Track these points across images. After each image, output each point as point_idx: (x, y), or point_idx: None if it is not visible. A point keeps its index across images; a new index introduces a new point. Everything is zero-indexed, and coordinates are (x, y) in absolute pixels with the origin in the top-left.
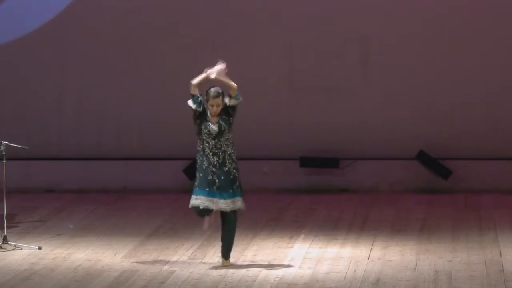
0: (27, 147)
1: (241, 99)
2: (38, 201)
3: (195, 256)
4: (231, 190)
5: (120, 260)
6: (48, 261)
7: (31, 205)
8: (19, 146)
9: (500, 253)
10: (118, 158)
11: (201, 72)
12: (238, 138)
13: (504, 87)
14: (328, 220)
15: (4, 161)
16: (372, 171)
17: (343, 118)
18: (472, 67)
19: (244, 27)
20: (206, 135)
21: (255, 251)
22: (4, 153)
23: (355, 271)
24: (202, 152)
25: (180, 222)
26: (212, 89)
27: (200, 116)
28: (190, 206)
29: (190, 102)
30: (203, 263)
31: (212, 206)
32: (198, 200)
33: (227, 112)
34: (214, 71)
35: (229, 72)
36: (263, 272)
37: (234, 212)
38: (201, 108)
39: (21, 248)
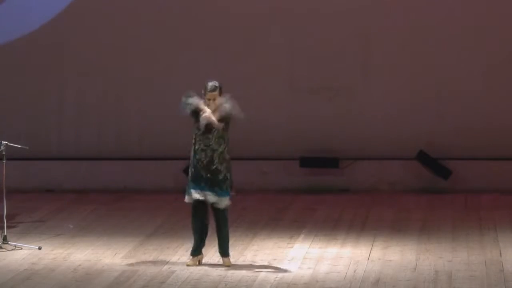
0: (27, 147)
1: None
2: (38, 201)
3: None
4: (217, 188)
5: (120, 260)
6: (48, 261)
7: (31, 205)
8: (19, 146)
9: (500, 253)
10: (118, 158)
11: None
12: (238, 138)
13: (504, 87)
14: (328, 220)
15: (4, 161)
16: (372, 171)
17: (343, 118)
18: (472, 67)
19: (244, 27)
20: (196, 129)
21: (255, 251)
22: (4, 153)
23: (355, 271)
24: (193, 147)
25: (180, 222)
26: (210, 83)
27: (196, 112)
28: (186, 201)
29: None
30: (203, 263)
31: (201, 197)
32: (192, 195)
33: (222, 118)
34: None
35: (230, 71)
36: (263, 272)
37: (222, 210)
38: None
39: (21, 248)
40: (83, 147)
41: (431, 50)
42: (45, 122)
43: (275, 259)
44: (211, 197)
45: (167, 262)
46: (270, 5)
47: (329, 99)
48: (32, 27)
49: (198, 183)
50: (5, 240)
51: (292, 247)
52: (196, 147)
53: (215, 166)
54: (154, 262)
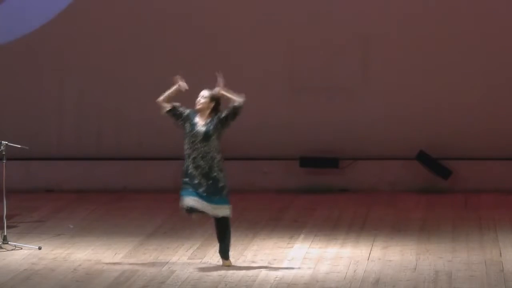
0: (27, 147)
1: (236, 109)
2: (38, 201)
3: (195, 256)
4: (218, 197)
5: (120, 260)
6: (48, 261)
7: (31, 205)
8: (19, 146)
9: (500, 253)
10: (118, 158)
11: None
12: (239, 138)
13: (504, 87)
14: (328, 220)
15: (4, 161)
16: (372, 171)
17: (343, 118)
18: (473, 67)
19: (244, 27)
20: (193, 137)
21: (255, 251)
22: (4, 153)
23: (355, 271)
24: (187, 156)
25: (180, 222)
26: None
27: (183, 117)
28: (180, 206)
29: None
30: (203, 263)
31: (198, 206)
32: (186, 201)
33: (219, 120)
34: (218, 88)
35: (230, 71)
36: (263, 272)
37: (223, 217)
38: (182, 113)
39: (21, 248)
40: (83, 147)
41: (431, 50)
42: (45, 122)
43: (275, 259)
44: (208, 209)
45: (167, 262)
46: (270, 5)
47: (328, 98)
48: (32, 27)
49: (196, 190)
50: (5, 240)
51: (292, 247)
52: (195, 154)
53: (214, 174)
54: (154, 262)
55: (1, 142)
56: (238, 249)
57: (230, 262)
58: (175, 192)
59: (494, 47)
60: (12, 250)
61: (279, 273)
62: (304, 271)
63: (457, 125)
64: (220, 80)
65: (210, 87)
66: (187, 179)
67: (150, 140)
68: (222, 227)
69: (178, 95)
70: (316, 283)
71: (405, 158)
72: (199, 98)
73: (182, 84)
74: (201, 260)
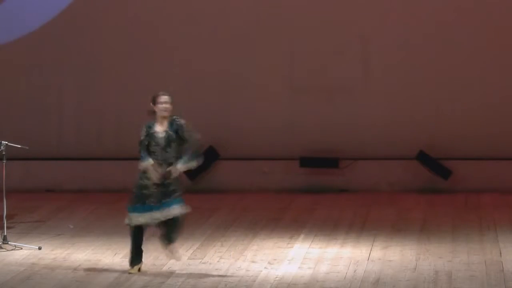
0: (27, 147)
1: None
2: (38, 201)
3: (195, 256)
4: (168, 200)
5: (120, 260)
6: (48, 261)
7: (31, 205)
8: (19, 146)
9: (500, 253)
10: (118, 158)
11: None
12: (239, 138)
13: (504, 87)
14: (328, 220)
15: (4, 161)
16: (372, 171)
17: (343, 118)
18: (473, 67)
19: (244, 27)
20: (154, 146)
21: (255, 251)
22: (4, 153)
23: (355, 271)
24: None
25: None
26: (160, 92)
27: (146, 137)
28: (126, 223)
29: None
30: (203, 263)
31: (146, 220)
32: (133, 218)
33: (180, 130)
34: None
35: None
36: (263, 272)
37: (175, 218)
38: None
39: (21, 248)
40: (83, 147)
41: (431, 50)
42: (45, 122)
43: (275, 259)
44: (158, 216)
45: (167, 262)
46: (270, 5)
47: (328, 99)
48: (32, 27)
49: (144, 203)
50: (5, 240)
51: (292, 247)
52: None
53: (168, 180)
54: (154, 262)
55: (1, 142)
56: (238, 249)
57: (175, 247)
58: None
59: (494, 47)
60: (12, 250)
61: (279, 273)
62: (304, 271)
63: (457, 125)
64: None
65: (211, 87)
66: (135, 191)
67: None
68: (175, 225)
69: None
70: (316, 283)
71: (405, 158)
72: (167, 105)
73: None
74: (201, 260)
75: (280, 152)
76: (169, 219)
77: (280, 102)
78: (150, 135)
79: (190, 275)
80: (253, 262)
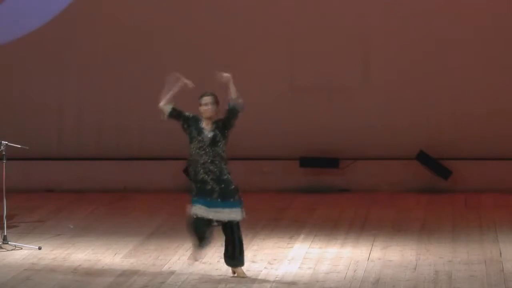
0: (27, 147)
1: (235, 109)
2: (38, 201)
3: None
4: (232, 200)
5: (120, 260)
6: (48, 261)
7: (31, 205)
8: (19, 146)
9: (500, 253)
10: (118, 158)
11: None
12: (239, 138)
13: (504, 87)
14: (328, 220)
15: (4, 161)
16: (372, 171)
17: (343, 118)
18: (473, 67)
19: (244, 27)
20: (201, 142)
21: (255, 251)
22: (4, 153)
23: (355, 271)
24: (195, 162)
25: (180, 222)
26: (204, 92)
27: (189, 121)
28: (190, 215)
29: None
30: (203, 263)
31: (210, 215)
32: (196, 210)
33: (223, 124)
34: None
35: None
36: (263, 272)
37: (234, 223)
38: (184, 116)
39: (21, 248)
40: (83, 147)
41: (431, 50)
42: (45, 122)
43: (275, 259)
44: (224, 215)
45: (167, 262)
46: (270, 5)
47: (328, 99)
48: (32, 27)
49: (207, 198)
50: (5, 240)
51: (292, 247)
52: (205, 159)
53: (226, 177)
54: (154, 262)
55: (1, 142)
56: None
57: (243, 271)
58: (175, 192)
59: (495, 47)
60: (12, 250)
61: (279, 273)
62: (304, 271)
63: (457, 125)
64: (227, 75)
65: (211, 87)
66: (198, 185)
67: (150, 140)
68: (233, 228)
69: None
70: (316, 283)
71: (405, 158)
72: (206, 107)
73: (188, 82)
74: (201, 260)
75: (280, 152)
76: (227, 232)
77: (280, 102)
78: (199, 128)
79: (190, 275)
80: (253, 262)
